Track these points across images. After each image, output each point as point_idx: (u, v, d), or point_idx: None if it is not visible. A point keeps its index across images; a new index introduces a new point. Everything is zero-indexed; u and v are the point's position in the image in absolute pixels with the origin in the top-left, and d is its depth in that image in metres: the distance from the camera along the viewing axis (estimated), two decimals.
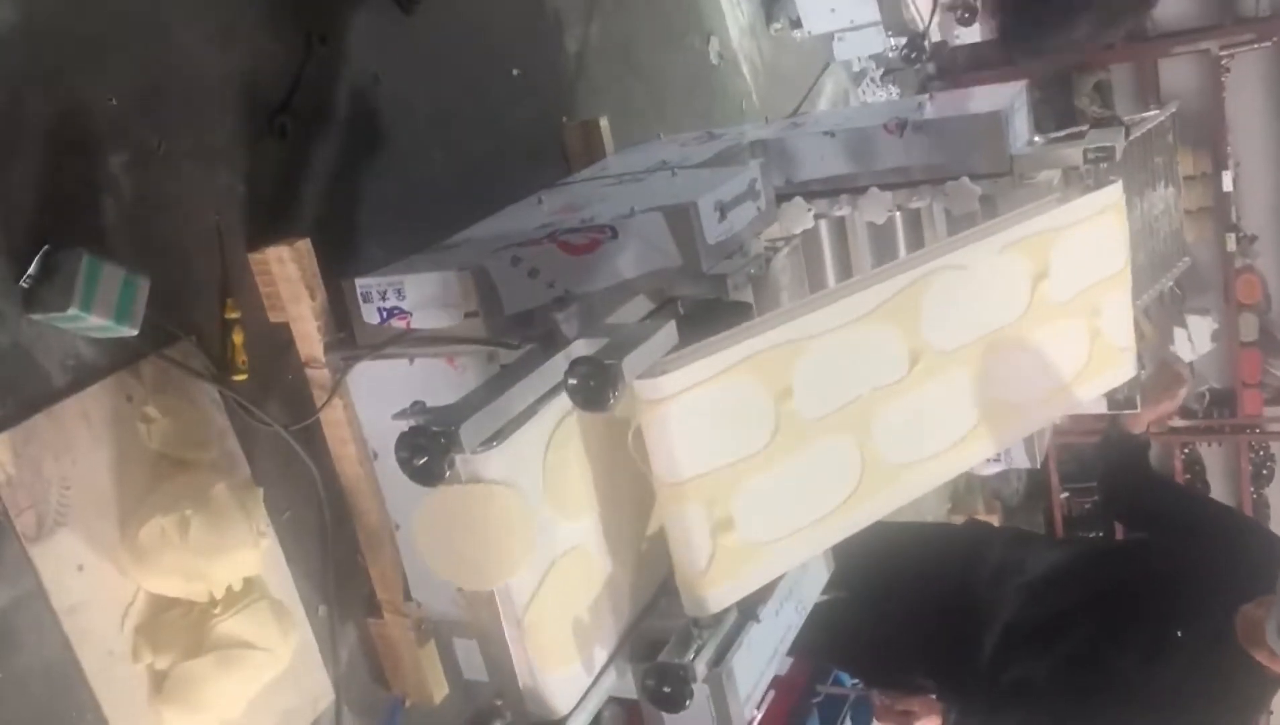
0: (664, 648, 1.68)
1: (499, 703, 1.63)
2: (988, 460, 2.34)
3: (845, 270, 2.33)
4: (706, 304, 1.88)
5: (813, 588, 2.04)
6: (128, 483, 1.64)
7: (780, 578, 1.83)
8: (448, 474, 1.36)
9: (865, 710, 2.92)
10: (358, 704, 2.08)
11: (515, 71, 2.59)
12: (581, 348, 1.57)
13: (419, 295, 1.75)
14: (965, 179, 2.12)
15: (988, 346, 1.78)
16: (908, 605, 2.50)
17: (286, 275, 1.84)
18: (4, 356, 1.51)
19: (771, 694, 2.88)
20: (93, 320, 1.52)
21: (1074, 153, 2.11)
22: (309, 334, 1.87)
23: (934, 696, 2.46)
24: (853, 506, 1.70)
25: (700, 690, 1.68)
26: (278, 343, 1.90)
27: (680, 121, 3.02)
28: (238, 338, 1.83)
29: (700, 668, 1.65)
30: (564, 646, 1.60)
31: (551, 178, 2.34)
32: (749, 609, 1.78)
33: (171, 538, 1.60)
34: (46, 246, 1.53)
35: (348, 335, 1.87)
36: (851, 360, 1.66)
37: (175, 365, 1.73)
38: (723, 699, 1.70)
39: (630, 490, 1.72)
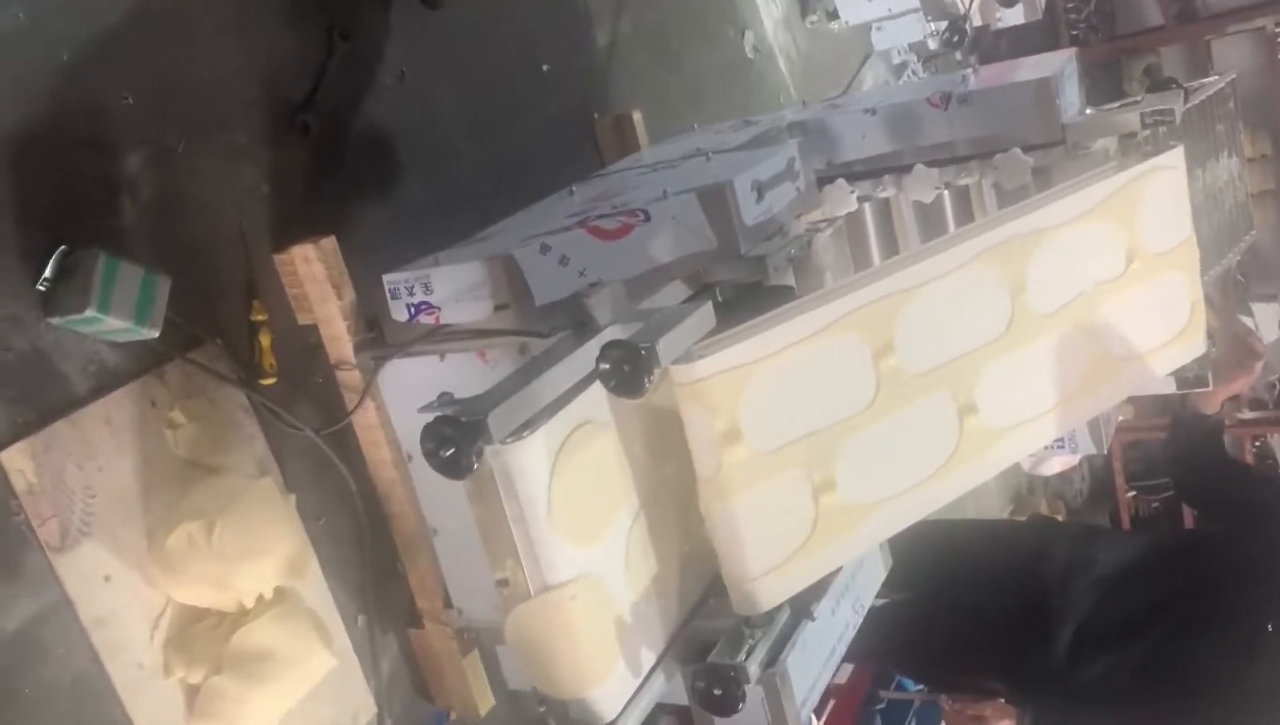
0: (714, 649, 1.59)
1: (542, 709, 1.55)
2: (1052, 447, 2.23)
3: (891, 253, 2.23)
4: (746, 289, 1.80)
5: (870, 584, 1.94)
6: (154, 490, 1.59)
7: (835, 574, 1.73)
8: (475, 465, 1.29)
9: (931, 715, 2.80)
10: (401, 718, 2.01)
11: (545, 67, 2.54)
12: (615, 334, 1.50)
13: (447, 289, 1.69)
14: (1016, 150, 2.02)
15: (1085, 308, 1.70)
16: (974, 605, 2.39)
17: (313, 274, 1.79)
18: (23, 362, 1.47)
19: (832, 702, 2.77)
20: (111, 322, 1.48)
21: (1130, 118, 2.00)
22: (338, 335, 1.81)
23: (1004, 700, 2.35)
24: (817, 546, 1.57)
25: (754, 693, 1.58)
26: (306, 344, 1.85)
27: (716, 115, 2.93)
28: (265, 340, 1.78)
29: (753, 669, 1.56)
30: (607, 652, 1.52)
31: (584, 173, 2.27)
32: (803, 607, 1.68)
33: (200, 545, 1.55)
34: (63, 248, 1.48)
35: (377, 335, 1.82)
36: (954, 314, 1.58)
37: (201, 369, 1.68)
38: (778, 701, 1.61)
39: (671, 488, 1.64)
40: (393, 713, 1.98)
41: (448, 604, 1.95)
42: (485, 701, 2.03)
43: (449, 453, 1.29)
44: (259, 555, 1.58)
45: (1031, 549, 2.47)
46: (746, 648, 1.58)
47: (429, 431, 1.29)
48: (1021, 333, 1.65)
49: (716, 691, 1.53)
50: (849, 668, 2.72)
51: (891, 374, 1.53)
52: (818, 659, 1.71)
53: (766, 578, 1.54)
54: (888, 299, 1.53)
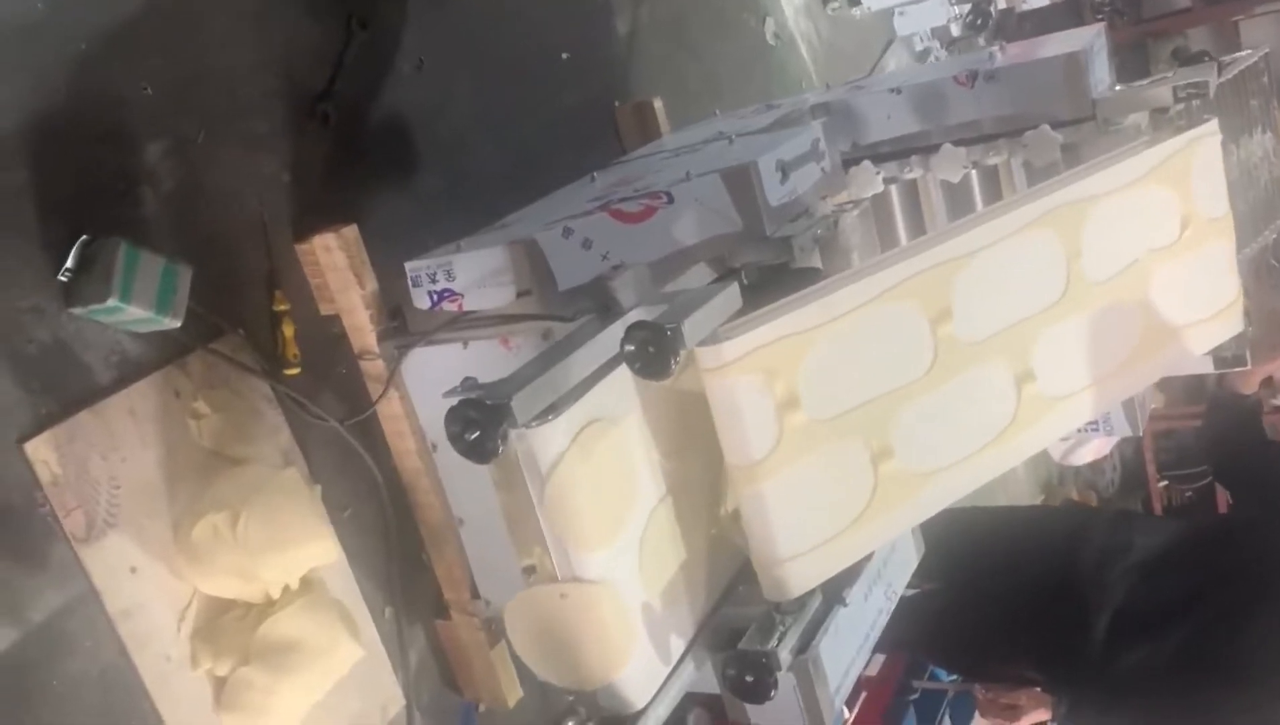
0: (745, 636, 1.57)
1: (571, 698, 1.53)
2: (1086, 429, 2.20)
3: (919, 235, 2.19)
4: (772, 271, 1.78)
5: (902, 571, 1.90)
6: (179, 481, 1.59)
7: (867, 559, 1.70)
8: (500, 449, 1.27)
9: (965, 705, 2.76)
10: (430, 709, 2.00)
11: (564, 55, 2.52)
12: (639, 317, 1.48)
13: (469, 275, 1.67)
14: (1045, 127, 1.98)
15: (1138, 276, 1.68)
16: (1007, 593, 2.36)
17: (334, 264, 1.78)
18: (46, 352, 1.47)
19: (863, 694, 2.73)
20: (132, 311, 1.47)
21: (1162, 92, 1.96)
22: (360, 324, 1.80)
23: (1040, 689, 2.31)
24: (875, 515, 1.55)
25: (786, 680, 1.56)
26: (330, 335, 1.84)
27: (737, 103, 2.90)
28: (288, 330, 1.77)
29: (785, 655, 1.53)
30: (637, 638, 1.50)
31: (605, 161, 2.25)
32: (835, 593, 1.66)
33: (225, 536, 1.54)
34: (84, 237, 1.48)
35: (400, 323, 1.81)
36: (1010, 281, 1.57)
37: (224, 360, 1.68)
38: (810, 688, 1.58)
39: (700, 470, 1.62)
40: (421, 704, 1.97)
41: (474, 595, 1.93)
42: (514, 693, 2.02)
43: (474, 436, 1.27)
44: (284, 545, 1.57)
45: (1066, 535, 2.43)
46: (778, 634, 1.56)
47: (453, 415, 1.27)
48: (1077, 299, 1.63)
49: (748, 678, 1.51)
50: (880, 658, 2.69)
51: (949, 341, 1.52)
52: (851, 645, 1.69)
53: (798, 561, 1.52)
54: (944, 265, 1.51)
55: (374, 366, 1.82)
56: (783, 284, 1.73)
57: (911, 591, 2.02)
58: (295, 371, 1.77)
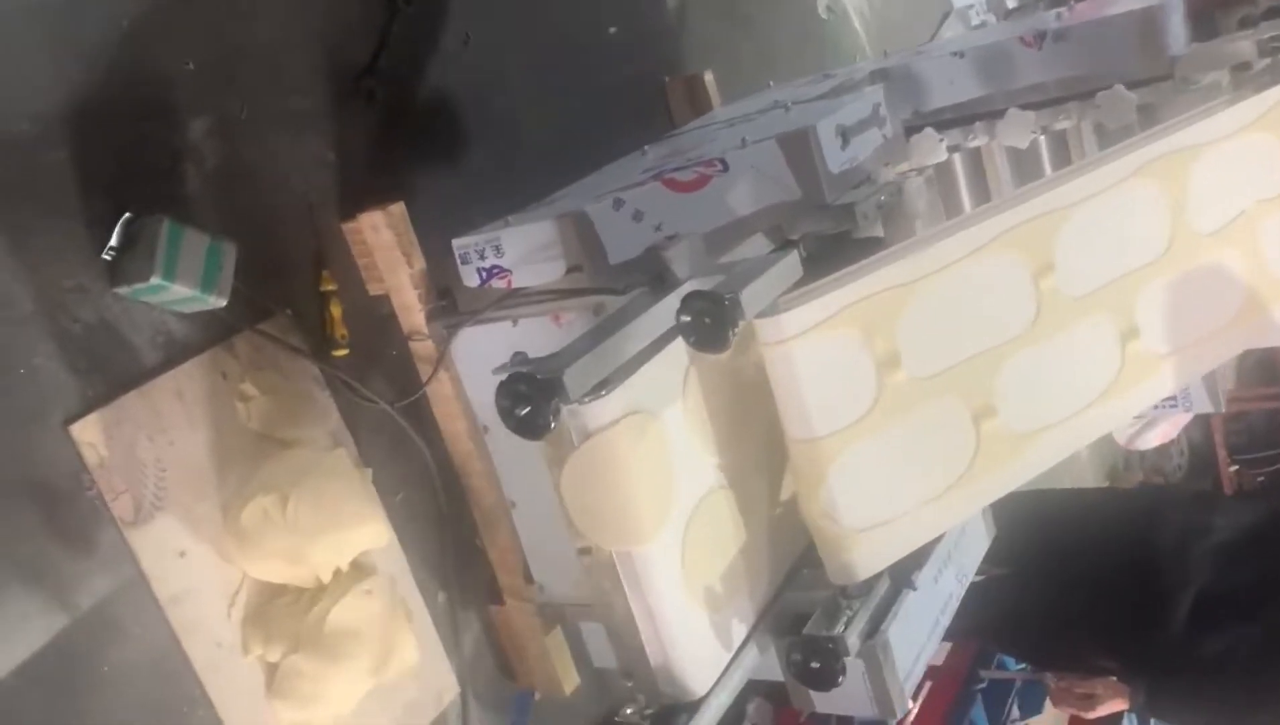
0: (810, 620, 1.50)
1: (629, 684, 1.48)
2: (1164, 405, 2.09)
3: (984, 200, 2.10)
4: (833, 241, 1.70)
5: (973, 554, 1.83)
6: (227, 464, 1.56)
7: (937, 540, 1.63)
8: (553, 424, 1.22)
9: (1035, 694, 2.66)
10: (485, 697, 1.96)
11: (612, 29, 2.46)
12: (694, 288, 1.42)
13: (518, 251, 1.62)
14: (1119, 87, 1.87)
15: (1245, 228, 1.62)
16: (1080, 577, 2.27)
17: (382, 242, 1.74)
18: (91, 333, 1.44)
19: (929, 684, 2.65)
20: (177, 289, 1.44)
21: (1244, 47, 1.85)
22: (409, 304, 1.76)
23: (1116, 678, 2.22)
24: (977, 477, 1.49)
25: (854, 665, 1.49)
26: (379, 315, 1.80)
27: (790, 77, 2.83)
28: (335, 311, 1.73)
29: (852, 640, 1.47)
30: (696, 621, 1.44)
31: (656, 136, 2.19)
32: (903, 576, 1.59)
33: (274, 519, 1.50)
34: (127, 215, 1.45)
35: (449, 302, 1.76)
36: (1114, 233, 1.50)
37: (271, 341, 1.64)
38: (880, 674, 1.51)
39: (760, 451, 1.56)
40: (476, 692, 1.93)
41: (528, 579, 1.89)
42: (570, 680, 1.97)
43: (525, 411, 1.22)
44: (334, 528, 1.53)
45: (1142, 514, 2.34)
46: (844, 618, 1.50)
47: (504, 389, 1.22)
48: (1182, 253, 1.56)
49: (814, 664, 1.45)
50: (947, 647, 2.60)
51: (1052, 295, 1.47)
52: (920, 631, 1.62)
53: (866, 541, 1.45)
54: (1047, 216, 1.46)
55: (423, 347, 1.77)
56: (844, 254, 1.66)
57: (979, 577, 1.94)
58: (343, 352, 1.74)
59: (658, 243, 1.46)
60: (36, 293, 1.39)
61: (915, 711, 2.47)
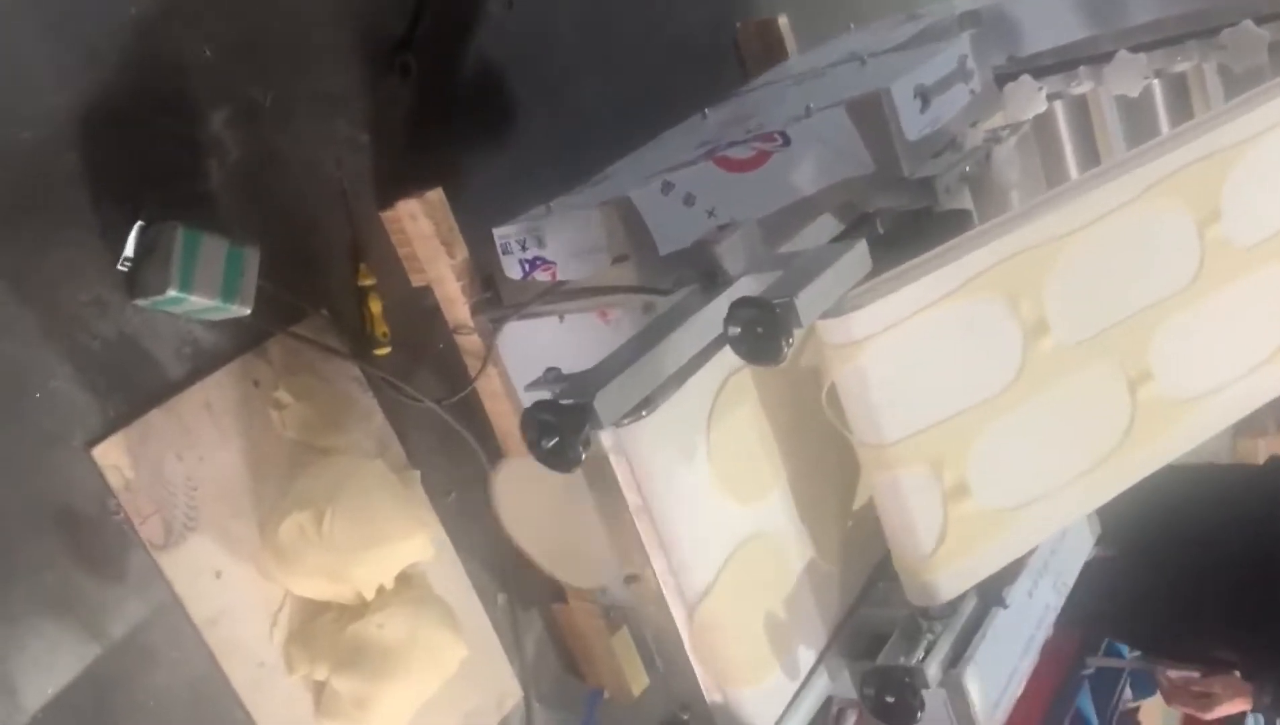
0: (886, 645, 1.36)
1: (686, 717, 1.37)
2: None
3: (1091, 159, 1.88)
4: (912, 218, 1.53)
5: (1075, 558, 1.66)
6: (263, 477, 1.49)
7: (1032, 551, 1.47)
8: (583, 456, 1.09)
9: (1146, 682, 2.48)
10: (550, 699, 1.88)
11: None
12: (748, 286, 1.27)
13: (560, 241, 1.49)
14: (1248, 23, 1.63)
15: None
16: (1201, 562, 2.06)
17: (420, 232, 1.63)
18: (111, 349, 1.37)
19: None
20: (196, 301, 1.35)
21: None
22: (452, 296, 1.65)
23: (1238, 674, 2.02)
24: (1132, 449, 1.35)
25: (935, 696, 1.35)
26: (423, 308, 1.69)
27: (874, 15, 2.60)
28: (374, 307, 1.63)
29: (932, 670, 1.32)
30: (756, 652, 1.31)
31: (728, 90, 2.01)
32: (992, 592, 1.43)
33: (310, 536, 1.43)
34: (141, 222, 1.36)
35: (494, 295, 1.64)
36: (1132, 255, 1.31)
37: (306, 343, 1.55)
38: (965, 706, 1.37)
39: (828, 456, 1.41)
40: (540, 694, 1.85)
41: None
42: (639, 681, 1.88)
43: (552, 443, 1.09)
44: (374, 544, 1.45)
45: (1271, 495, 2.11)
46: (924, 644, 1.35)
47: (528, 420, 1.10)
48: None
49: (889, 699, 1.31)
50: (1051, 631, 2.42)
51: (1218, 244, 1.32)
52: (1012, 652, 1.46)
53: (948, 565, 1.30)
54: (1213, 157, 1.29)
55: (470, 341, 1.66)
56: (927, 233, 1.48)
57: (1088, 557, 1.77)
58: (385, 351, 1.64)
59: (708, 235, 1.31)
60: (51, 310, 1.32)
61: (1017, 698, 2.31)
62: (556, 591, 1.85)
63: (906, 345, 1.22)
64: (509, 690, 1.80)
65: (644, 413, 1.18)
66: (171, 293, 1.33)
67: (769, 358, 1.13)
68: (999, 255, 1.23)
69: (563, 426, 1.08)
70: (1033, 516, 1.34)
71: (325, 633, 1.50)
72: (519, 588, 1.83)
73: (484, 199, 1.71)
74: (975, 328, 1.25)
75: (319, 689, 1.51)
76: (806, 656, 1.39)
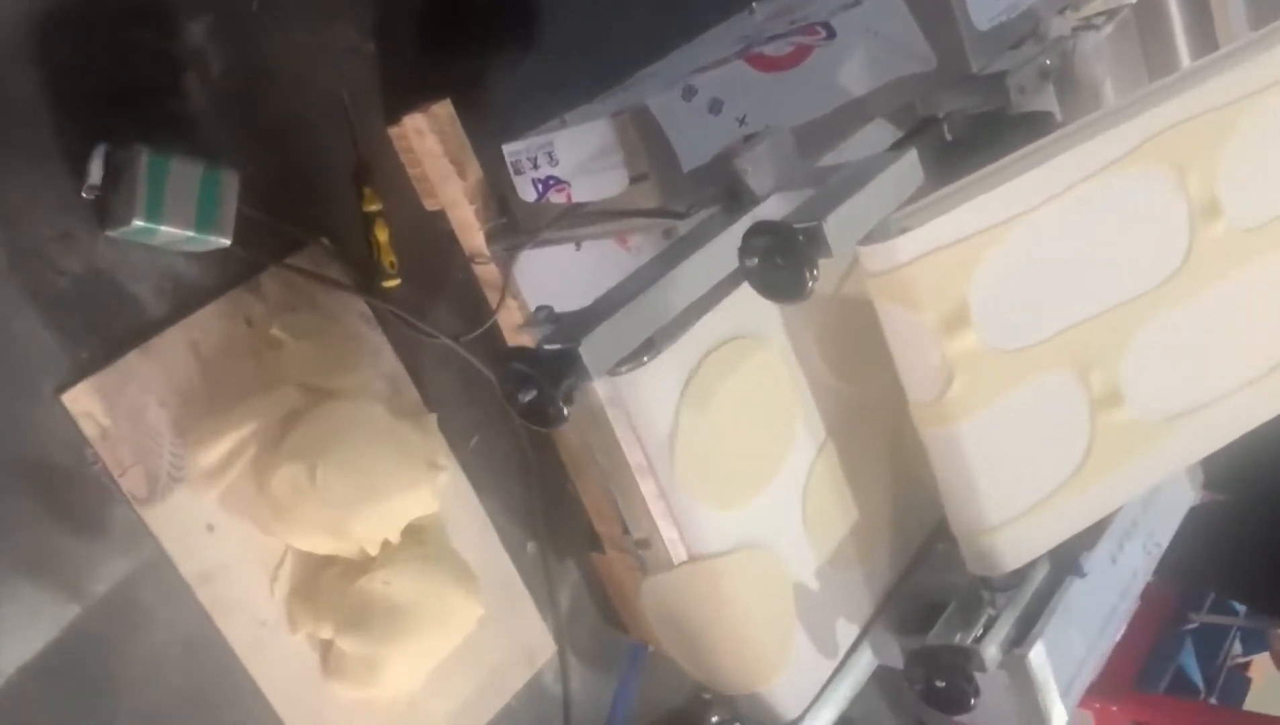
0: (940, 620, 1.19)
1: (706, 696, 1.23)
2: None
3: (1208, 49, 1.60)
4: (983, 121, 1.31)
5: (1171, 513, 1.45)
6: (259, 424, 1.36)
7: (1114, 512, 1.27)
8: (566, 412, 0.94)
9: (1259, 640, 2.25)
10: (588, 652, 1.76)
11: None
12: (778, 207, 1.08)
13: (573, 157, 1.31)
14: None
15: None
16: None
17: (428, 150, 1.47)
18: (82, 286, 1.26)
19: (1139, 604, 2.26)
20: (167, 231, 1.22)
21: None
22: (466, 221, 1.49)
23: None
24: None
25: (995, 679, 1.18)
26: (438, 234, 1.54)
27: None
28: (381, 234, 1.49)
29: (991, 650, 1.15)
30: (783, 632, 1.16)
31: None
32: (1067, 559, 1.24)
33: (304, 489, 1.31)
34: (104, 147, 1.23)
35: (510, 219, 1.48)
36: None
37: (305, 276, 1.42)
38: (1030, 691, 1.19)
39: (877, 402, 1.22)
40: (577, 648, 1.74)
41: (626, 530, 1.64)
42: None
43: (530, 397, 0.94)
44: (371, 497, 1.33)
45: None
46: (983, 620, 1.18)
47: (503, 371, 0.95)
48: None
49: (939, 683, 1.15)
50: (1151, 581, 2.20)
51: None
52: (1089, 628, 1.28)
53: (1017, 524, 1.12)
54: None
55: (487, 271, 1.51)
56: (999, 139, 1.26)
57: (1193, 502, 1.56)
58: (394, 283, 1.50)
59: (730, 146, 1.12)
60: (10, 245, 1.21)
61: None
62: (593, 540, 1.72)
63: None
64: (541, 644, 1.68)
65: (645, 358, 1.01)
66: (138, 223, 1.20)
67: (790, 293, 0.95)
68: (909, 253, 1.02)
69: (541, 378, 0.93)
70: (1188, 431, 1.14)
71: (330, 589, 1.39)
72: (551, 537, 1.70)
73: (506, 113, 1.53)
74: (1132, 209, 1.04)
75: (326, 648, 1.41)
76: (847, 631, 1.23)
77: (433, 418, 1.51)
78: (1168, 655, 2.16)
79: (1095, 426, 1.11)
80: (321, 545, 1.37)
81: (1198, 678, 2.24)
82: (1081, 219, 1.06)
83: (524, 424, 1.54)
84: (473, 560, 1.54)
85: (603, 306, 0.98)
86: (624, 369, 1.00)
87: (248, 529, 1.36)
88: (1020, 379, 1.07)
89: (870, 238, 1.03)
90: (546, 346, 0.94)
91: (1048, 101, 1.35)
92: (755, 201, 1.09)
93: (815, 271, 0.93)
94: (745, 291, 1.05)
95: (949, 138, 1.34)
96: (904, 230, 1.02)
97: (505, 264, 1.48)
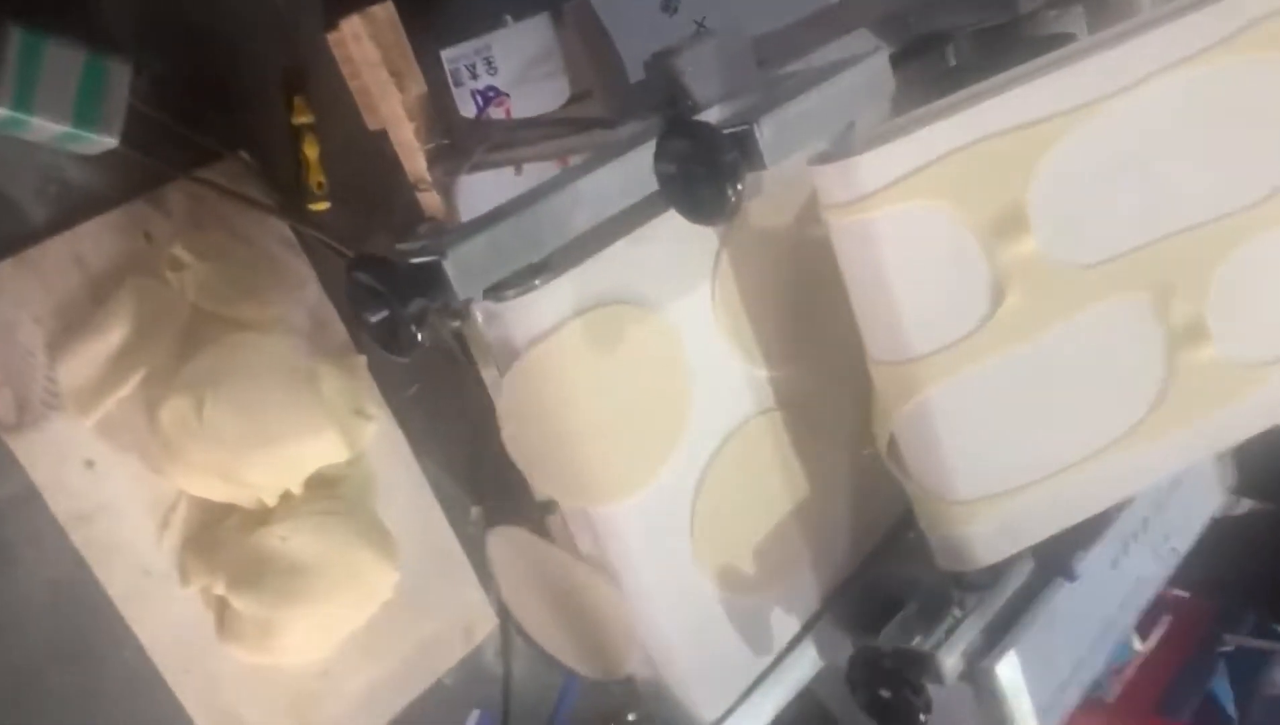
0: (892, 621, 1.01)
1: (631, 718, 1.06)
2: None
3: None
4: (992, 38, 1.12)
5: (1193, 516, 1.24)
6: (152, 352, 1.21)
7: (1123, 505, 1.08)
8: (419, 338, 0.77)
9: None
10: None
11: None
12: (721, 116, 0.90)
13: (511, 65, 1.16)
14: None
15: None
16: None
17: (366, 58, 1.31)
18: None
19: (1169, 620, 2.05)
20: (40, 124, 1.08)
21: None
22: (408, 141, 1.33)
23: None
24: None
25: (958, 693, 1.00)
26: (381, 157, 1.38)
27: None
28: (310, 151, 1.34)
29: (951, 659, 0.97)
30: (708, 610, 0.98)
31: None
32: (1056, 559, 1.05)
33: (191, 426, 1.16)
34: None
35: (453, 140, 1.32)
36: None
37: (218, 191, 1.27)
38: (996, 710, 1.01)
39: (842, 359, 1.04)
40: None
41: None
42: None
43: (379, 317, 0.78)
44: (265, 441, 1.18)
45: None
46: (947, 623, 1.00)
47: (348, 284, 0.78)
48: None
49: (883, 693, 0.96)
50: (1184, 596, 1.98)
51: None
52: (1077, 641, 1.09)
53: (991, 508, 0.93)
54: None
55: (430, 199, 1.35)
56: (1012, 60, 1.07)
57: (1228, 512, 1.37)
58: (322, 206, 1.35)
59: (670, 45, 0.94)
60: None
61: (1129, 678, 1.91)
62: (546, 504, 1.55)
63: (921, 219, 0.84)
64: (480, 617, 1.53)
65: (537, 282, 0.84)
66: (4, 112, 1.06)
67: (710, 212, 0.78)
68: (875, 180, 0.83)
69: (393, 295, 0.76)
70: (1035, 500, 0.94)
71: (229, 541, 1.25)
72: (500, 499, 1.54)
73: (457, 19, 1.37)
74: (943, 235, 0.85)
75: (222, 606, 1.27)
76: (785, 625, 1.05)
77: (361, 359, 1.36)
78: (1198, 679, 1.94)
79: (1173, 366, 0.91)
80: (215, 490, 1.23)
81: (1230, 707, 2.02)
82: (1158, 117, 0.86)
83: (464, 363, 1.39)
84: (403, 522, 1.40)
85: (486, 219, 0.81)
86: (510, 293, 0.83)
87: (136, 468, 1.22)
88: (1086, 302, 0.87)
89: (822, 158, 0.85)
90: (408, 258, 0.77)
91: (1076, 24, 1.15)
92: (695, 110, 0.91)
93: (738, 187, 0.75)
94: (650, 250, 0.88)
95: (952, 62, 1.15)
96: (869, 147, 0.84)
97: (448, 190, 1.32)
